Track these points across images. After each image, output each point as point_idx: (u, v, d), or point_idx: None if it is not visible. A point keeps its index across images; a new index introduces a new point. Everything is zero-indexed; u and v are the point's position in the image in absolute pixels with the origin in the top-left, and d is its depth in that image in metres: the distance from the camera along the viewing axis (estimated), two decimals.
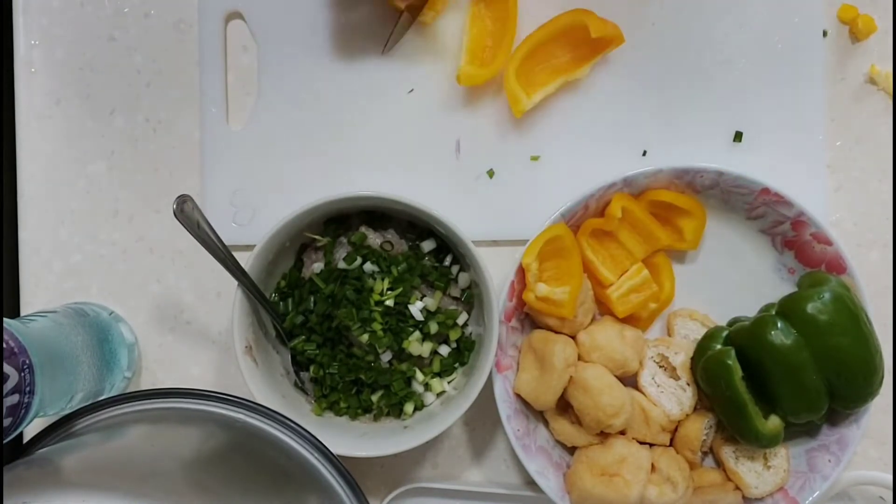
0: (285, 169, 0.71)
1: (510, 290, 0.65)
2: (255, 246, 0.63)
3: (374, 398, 0.67)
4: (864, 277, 0.65)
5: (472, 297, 0.68)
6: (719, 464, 0.68)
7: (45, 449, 0.56)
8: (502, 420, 0.64)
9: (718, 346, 0.64)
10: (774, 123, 0.70)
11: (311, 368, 0.67)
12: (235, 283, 0.63)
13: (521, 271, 0.65)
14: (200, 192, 0.71)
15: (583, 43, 0.68)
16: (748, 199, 0.67)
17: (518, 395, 0.66)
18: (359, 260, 0.66)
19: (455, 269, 0.68)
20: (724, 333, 0.65)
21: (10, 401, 0.53)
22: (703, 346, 0.65)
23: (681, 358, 0.66)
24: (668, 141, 0.71)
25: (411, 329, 0.65)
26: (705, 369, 0.64)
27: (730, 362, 0.63)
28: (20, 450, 0.57)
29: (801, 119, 0.70)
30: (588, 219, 0.68)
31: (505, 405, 0.65)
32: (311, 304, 0.66)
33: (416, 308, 0.65)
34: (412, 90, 0.71)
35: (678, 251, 0.70)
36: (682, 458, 0.66)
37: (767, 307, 0.66)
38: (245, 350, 0.64)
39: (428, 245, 0.68)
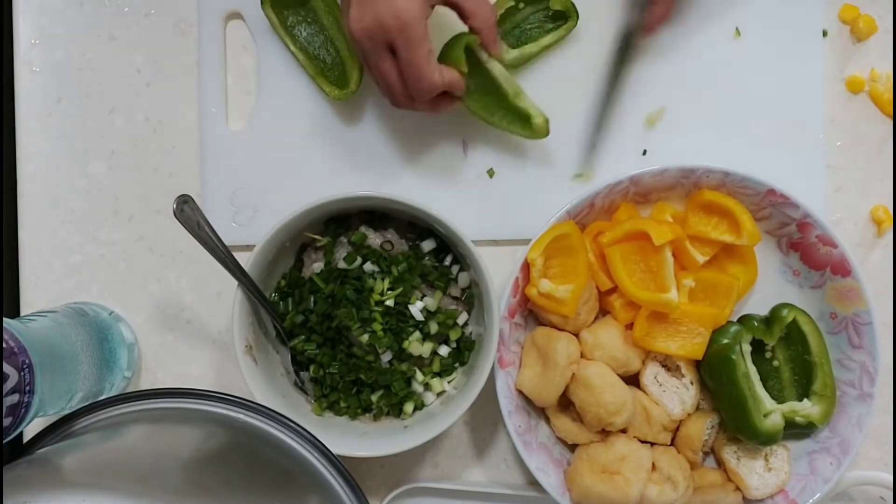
0: (285, 169, 0.71)
1: (514, 286, 0.65)
2: (255, 246, 0.63)
3: (374, 398, 0.67)
4: (865, 277, 0.65)
5: (473, 297, 0.68)
6: (720, 464, 0.68)
7: (45, 449, 0.56)
8: (503, 416, 0.64)
9: (726, 341, 0.64)
10: (774, 123, 0.70)
11: (311, 368, 0.67)
12: (235, 283, 0.63)
13: (526, 267, 0.65)
14: (200, 192, 0.71)
15: None
16: (754, 199, 0.66)
17: (520, 392, 0.66)
18: (359, 260, 0.66)
19: (455, 268, 0.68)
20: (733, 329, 0.65)
21: (10, 401, 0.53)
22: (711, 340, 0.65)
23: None
24: (667, 140, 0.71)
25: (411, 329, 0.65)
26: (710, 363, 0.64)
27: (733, 357, 0.63)
28: (20, 450, 0.57)
29: (801, 119, 0.70)
30: (593, 218, 0.68)
31: (507, 401, 0.65)
32: (311, 304, 0.66)
33: (416, 308, 0.65)
34: None
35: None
36: (683, 457, 0.66)
37: (779, 307, 0.67)
38: (245, 350, 0.64)
39: (428, 245, 0.68)
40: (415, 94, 0.61)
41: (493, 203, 0.71)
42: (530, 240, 0.65)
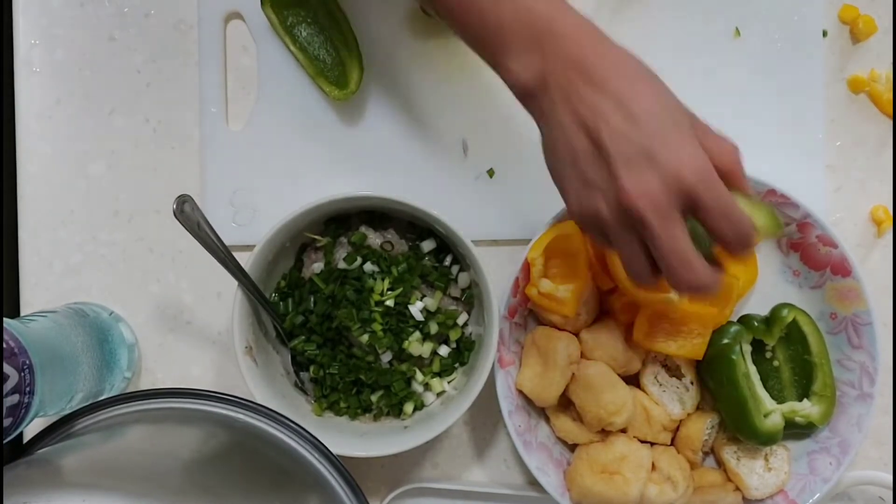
0: (285, 169, 0.71)
1: (514, 286, 0.65)
2: (255, 246, 0.63)
3: (374, 398, 0.67)
4: (865, 277, 0.65)
5: (472, 297, 0.68)
6: (720, 464, 0.68)
7: (45, 449, 0.56)
8: (504, 415, 0.64)
9: (726, 341, 0.64)
10: (774, 123, 0.70)
11: (311, 368, 0.67)
12: (235, 283, 0.63)
13: (527, 266, 0.65)
14: (200, 192, 0.71)
15: None
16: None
17: (520, 392, 0.66)
18: (359, 260, 0.66)
19: (455, 269, 0.68)
20: (734, 329, 0.65)
21: (10, 401, 0.53)
22: (711, 340, 0.65)
23: None
24: None
25: (411, 329, 0.65)
26: (710, 363, 0.65)
27: (733, 357, 0.63)
28: (20, 450, 0.57)
29: (801, 119, 0.70)
30: None
31: (507, 401, 0.65)
32: (311, 305, 0.66)
33: (416, 308, 0.65)
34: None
35: None
36: (683, 457, 0.66)
37: (779, 307, 0.67)
38: (245, 350, 0.64)
39: (428, 245, 0.67)
40: (740, 244, 0.47)
41: (493, 203, 0.71)
42: (530, 240, 0.65)
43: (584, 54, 0.47)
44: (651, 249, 0.48)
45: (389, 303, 0.64)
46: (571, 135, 0.47)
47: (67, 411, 0.58)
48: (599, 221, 0.48)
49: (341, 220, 0.68)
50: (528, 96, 0.49)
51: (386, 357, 0.66)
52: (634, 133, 0.46)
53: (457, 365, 0.68)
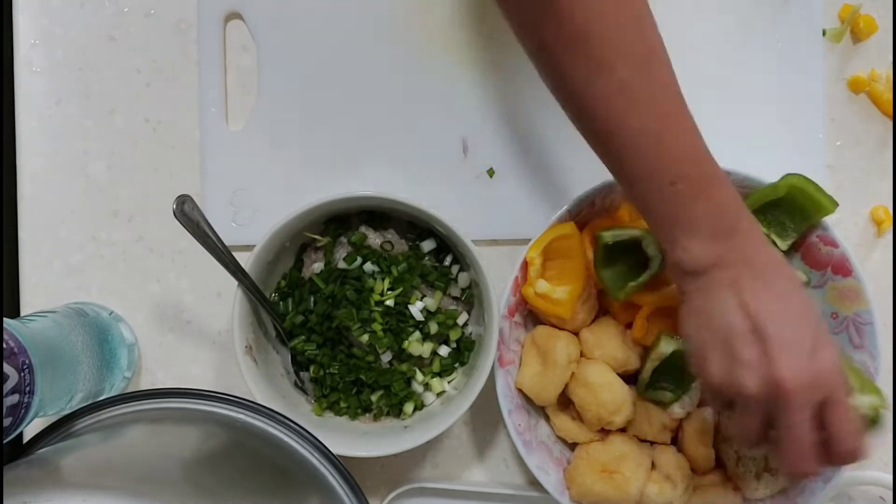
0: (285, 169, 0.71)
1: (514, 285, 0.65)
2: (255, 246, 0.63)
3: (374, 398, 0.67)
4: (866, 277, 0.65)
5: (472, 297, 0.68)
6: (720, 464, 0.68)
7: (45, 449, 0.56)
8: (503, 414, 0.64)
9: None
10: (774, 123, 0.70)
11: (311, 368, 0.67)
12: (235, 283, 0.63)
13: (526, 266, 0.65)
14: (200, 192, 0.71)
15: None
16: None
17: (520, 391, 0.66)
18: (359, 260, 0.66)
19: (455, 268, 0.68)
20: None
21: (10, 401, 0.53)
22: None
23: None
24: None
25: (411, 329, 0.65)
26: None
27: None
28: (20, 450, 0.57)
29: (801, 119, 0.70)
30: (594, 216, 0.68)
31: (507, 400, 0.65)
32: (311, 304, 0.66)
33: (416, 308, 0.65)
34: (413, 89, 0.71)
35: None
36: (683, 456, 0.66)
37: None
38: (245, 350, 0.64)
39: (428, 245, 0.67)
40: (846, 450, 0.52)
41: (493, 203, 0.71)
42: (530, 240, 0.65)
43: (757, 253, 0.53)
44: (778, 429, 0.52)
45: (389, 303, 0.64)
46: (731, 313, 0.52)
47: (67, 411, 0.58)
48: (740, 394, 0.52)
49: (341, 220, 0.68)
50: (694, 273, 0.54)
51: (386, 357, 0.66)
52: (794, 325, 0.51)
53: (457, 365, 0.68)
